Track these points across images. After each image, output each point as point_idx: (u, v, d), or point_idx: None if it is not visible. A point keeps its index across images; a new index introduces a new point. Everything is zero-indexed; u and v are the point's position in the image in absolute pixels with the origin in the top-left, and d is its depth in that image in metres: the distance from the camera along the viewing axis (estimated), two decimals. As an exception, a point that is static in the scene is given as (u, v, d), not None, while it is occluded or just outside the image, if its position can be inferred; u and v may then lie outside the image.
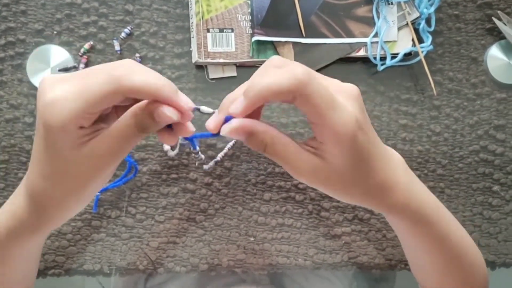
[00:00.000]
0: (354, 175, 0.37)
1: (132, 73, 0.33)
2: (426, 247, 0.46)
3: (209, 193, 0.65)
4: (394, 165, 0.41)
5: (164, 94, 0.34)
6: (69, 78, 0.35)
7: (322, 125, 0.35)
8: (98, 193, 0.63)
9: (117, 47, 0.63)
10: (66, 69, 0.63)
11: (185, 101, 0.36)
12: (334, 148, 0.36)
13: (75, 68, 0.63)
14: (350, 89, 0.37)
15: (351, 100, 0.36)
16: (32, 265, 0.51)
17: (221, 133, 0.37)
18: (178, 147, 0.62)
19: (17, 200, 0.41)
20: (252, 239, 0.65)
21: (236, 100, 0.36)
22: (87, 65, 0.63)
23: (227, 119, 0.37)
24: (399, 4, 0.64)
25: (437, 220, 0.44)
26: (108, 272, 0.64)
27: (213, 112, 0.39)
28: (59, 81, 0.35)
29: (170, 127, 0.38)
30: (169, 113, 0.34)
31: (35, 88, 0.63)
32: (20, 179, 0.62)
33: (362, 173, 0.38)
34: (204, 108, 0.40)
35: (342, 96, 0.36)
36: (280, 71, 0.34)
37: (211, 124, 0.37)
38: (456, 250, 0.46)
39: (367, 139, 0.37)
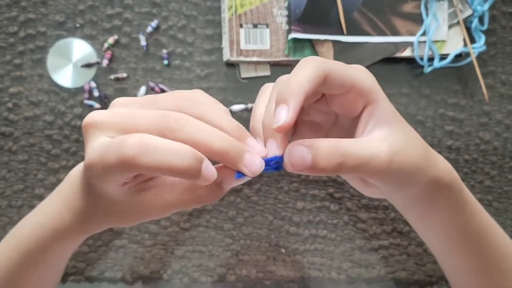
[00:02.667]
0: (408, 136, 0.35)
1: (149, 150, 0.28)
2: (461, 238, 0.42)
3: (238, 200, 0.61)
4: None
5: (229, 159, 0.30)
6: (110, 130, 0.31)
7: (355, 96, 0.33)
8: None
9: (143, 42, 0.59)
10: (89, 65, 0.59)
11: (254, 166, 0.31)
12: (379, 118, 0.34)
13: (98, 64, 0.59)
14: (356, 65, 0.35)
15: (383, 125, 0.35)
16: (63, 267, 0.48)
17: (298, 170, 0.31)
18: None
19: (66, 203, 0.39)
20: (283, 250, 0.62)
21: (268, 115, 0.33)
22: (111, 61, 0.59)
23: (271, 160, 0.32)
24: (450, 0, 0.59)
25: (479, 210, 0.41)
26: (131, 280, 0.60)
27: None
28: (99, 138, 0.31)
29: None
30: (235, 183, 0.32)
31: (56, 85, 0.59)
32: (40, 180, 0.59)
33: (411, 134, 0.36)
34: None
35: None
36: (303, 67, 0.32)
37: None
38: (495, 252, 0.43)
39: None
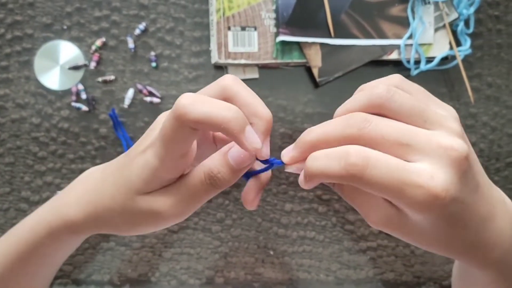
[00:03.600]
0: (440, 237, 0.32)
1: (198, 102, 0.30)
2: None
3: (227, 202, 0.61)
4: (502, 222, 0.33)
5: (229, 129, 0.30)
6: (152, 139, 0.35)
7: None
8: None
9: (131, 45, 0.59)
10: (76, 67, 0.59)
11: (252, 142, 0.32)
12: (414, 215, 0.30)
13: (85, 66, 0.59)
14: (449, 149, 0.28)
15: (444, 166, 0.28)
16: (58, 266, 0.49)
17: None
18: None
19: (67, 200, 0.41)
20: (271, 252, 0.62)
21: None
22: (98, 63, 0.59)
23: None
24: (436, 4, 0.59)
25: None
26: (118, 283, 0.60)
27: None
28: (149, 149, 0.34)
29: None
30: (245, 161, 0.33)
31: (43, 87, 0.59)
32: (27, 183, 0.59)
33: (452, 236, 0.31)
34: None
35: (431, 158, 0.28)
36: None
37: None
38: None
39: (464, 207, 0.30)
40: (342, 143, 0.29)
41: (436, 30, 0.60)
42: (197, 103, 0.30)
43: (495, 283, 0.36)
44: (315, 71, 0.59)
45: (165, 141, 0.32)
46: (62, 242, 0.42)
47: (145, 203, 0.35)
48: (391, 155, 0.28)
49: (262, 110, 0.33)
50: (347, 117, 0.29)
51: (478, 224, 0.32)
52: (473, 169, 0.30)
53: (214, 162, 0.33)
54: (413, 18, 0.59)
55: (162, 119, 0.35)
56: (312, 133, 0.31)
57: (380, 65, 0.61)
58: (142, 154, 0.34)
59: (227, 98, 0.33)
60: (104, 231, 0.40)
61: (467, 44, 0.60)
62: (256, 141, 0.32)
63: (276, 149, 0.60)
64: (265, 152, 0.33)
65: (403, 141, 0.28)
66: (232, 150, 0.33)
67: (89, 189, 0.39)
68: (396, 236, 0.32)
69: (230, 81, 0.33)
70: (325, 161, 0.29)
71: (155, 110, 0.60)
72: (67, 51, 0.59)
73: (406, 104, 0.29)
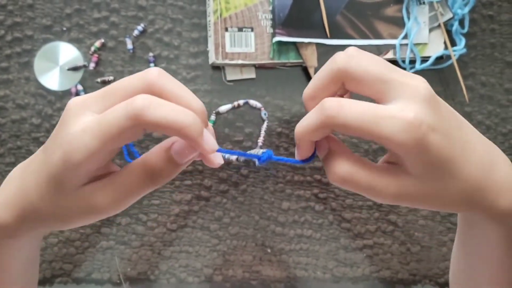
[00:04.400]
0: (435, 184, 0.32)
1: (155, 105, 0.29)
2: None
3: (224, 200, 0.62)
4: (507, 168, 0.34)
5: (189, 134, 0.30)
6: (91, 105, 0.32)
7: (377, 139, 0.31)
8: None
9: (129, 45, 0.60)
10: (75, 68, 0.59)
11: (210, 144, 0.32)
12: (406, 159, 0.31)
13: (85, 67, 0.60)
14: (414, 87, 0.31)
15: (413, 101, 0.30)
16: (28, 271, 0.46)
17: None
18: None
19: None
20: (269, 250, 0.62)
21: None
22: (97, 64, 0.60)
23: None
24: (431, 4, 0.60)
25: None
26: (118, 281, 0.61)
27: (236, 158, 0.36)
28: (82, 110, 0.32)
29: None
30: (189, 156, 0.32)
31: (43, 88, 0.59)
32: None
33: (452, 181, 0.32)
34: (229, 156, 0.37)
35: (401, 98, 0.31)
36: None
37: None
38: None
39: (445, 140, 0.31)
40: (325, 131, 0.32)
41: (431, 30, 0.61)
42: (155, 105, 0.29)
43: (504, 239, 0.36)
44: (311, 71, 0.60)
45: (105, 136, 0.30)
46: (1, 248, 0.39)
47: (78, 199, 0.33)
48: None
49: (194, 103, 0.32)
50: (320, 107, 0.31)
51: (476, 168, 0.32)
52: (447, 107, 0.33)
53: (156, 159, 0.32)
54: (408, 18, 0.60)
55: (75, 108, 0.32)
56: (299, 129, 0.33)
57: (376, 65, 0.62)
58: (67, 148, 0.31)
59: (152, 93, 0.31)
60: (40, 230, 0.38)
61: (461, 43, 0.61)
62: (213, 142, 0.32)
63: (273, 148, 0.61)
64: (216, 147, 0.33)
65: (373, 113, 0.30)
66: (176, 145, 0.32)
67: (14, 191, 0.36)
68: (407, 203, 0.33)
69: (155, 76, 0.31)
70: (306, 121, 0.32)
71: (153, 110, 0.60)
72: (67, 52, 0.59)
73: (368, 66, 0.31)
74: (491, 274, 0.39)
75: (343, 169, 0.32)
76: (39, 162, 0.34)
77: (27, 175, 0.35)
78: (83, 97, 0.33)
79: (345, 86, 0.33)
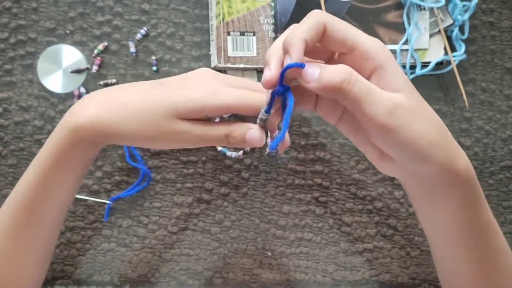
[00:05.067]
0: (419, 108, 0.36)
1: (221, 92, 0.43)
2: (468, 235, 0.42)
3: (225, 204, 0.62)
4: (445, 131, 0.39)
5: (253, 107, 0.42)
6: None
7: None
8: (110, 202, 0.60)
9: (132, 49, 0.60)
10: (78, 71, 0.60)
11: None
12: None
13: (88, 69, 0.60)
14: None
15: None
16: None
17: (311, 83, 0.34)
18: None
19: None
20: (269, 253, 0.63)
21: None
22: (100, 67, 0.60)
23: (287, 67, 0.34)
24: (431, 10, 0.61)
25: (487, 209, 0.42)
26: (119, 283, 0.61)
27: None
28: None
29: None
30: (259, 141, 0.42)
31: (46, 90, 0.60)
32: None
33: (424, 107, 0.37)
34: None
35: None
36: (306, 18, 0.36)
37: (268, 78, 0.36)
38: (495, 248, 0.44)
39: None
40: (318, 30, 0.36)
41: (431, 35, 0.61)
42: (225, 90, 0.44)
43: (463, 203, 0.40)
44: (313, 76, 0.60)
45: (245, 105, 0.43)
46: (78, 146, 0.44)
47: (171, 123, 0.42)
48: None
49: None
50: (309, 14, 0.36)
51: (434, 126, 0.36)
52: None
53: (237, 129, 0.43)
54: (409, 24, 0.61)
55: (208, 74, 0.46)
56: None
57: (377, 70, 0.62)
58: (208, 90, 0.43)
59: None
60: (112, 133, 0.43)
61: (461, 49, 0.61)
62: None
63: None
64: None
65: None
66: (252, 132, 0.42)
67: (113, 91, 0.46)
68: (395, 136, 0.35)
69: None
70: (299, 26, 0.35)
71: (155, 113, 0.61)
72: (70, 55, 0.60)
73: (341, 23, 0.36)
74: (450, 240, 0.44)
75: (341, 75, 0.33)
76: (161, 86, 0.45)
77: (142, 86, 0.46)
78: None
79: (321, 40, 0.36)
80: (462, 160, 0.38)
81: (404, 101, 0.34)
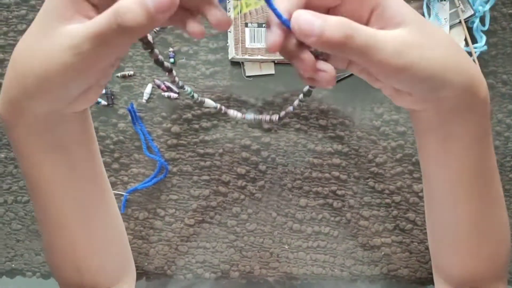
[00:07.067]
0: (429, 35, 0.33)
1: None
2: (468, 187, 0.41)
3: (242, 197, 0.62)
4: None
5: None
6: None
7: None
8: (126, 194, 0.60)
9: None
10: (96, 63, 0.60)
11: None
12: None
13: (105, 61, 0.60)
14: None
15: None
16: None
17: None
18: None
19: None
20: (286, 247, 0.62)
21: None
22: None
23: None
24: (452, 0, 0.60)
25: (492, 149, 0.41)
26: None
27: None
28: None
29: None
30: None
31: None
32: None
33: (435, 33, 0.34)
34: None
35: None
36: None
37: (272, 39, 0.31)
38: (494, 194, 0.43)
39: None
40: None
41: (452, 27, 0.60)
42: None
43: (475, 129, 0.38)
44: (331, 67, 0.60)
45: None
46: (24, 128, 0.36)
47: (60, 36, 0.31)
48: None
49: None
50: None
51: (448, 45, 0.34)
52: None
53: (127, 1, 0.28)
54: (429, 15, 0.60)
55: None
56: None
57: (395, 62, 0.62)
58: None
59: None
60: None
61: (482, 41, 0.60)
62: None
63: (292, 144, 0.61)
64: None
65: None
66: None
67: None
68: (410, 69, 0.32)
69: None
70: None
71: (172, 105, 0.60)
72: (87, 47, 0.60)
73: None
74: (452, 186, 0.41)
75: (342, 28, 0.30)
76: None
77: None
78: None
79: None
80: (481, 82, 0.37)
81: (411, 35, 0.32)
